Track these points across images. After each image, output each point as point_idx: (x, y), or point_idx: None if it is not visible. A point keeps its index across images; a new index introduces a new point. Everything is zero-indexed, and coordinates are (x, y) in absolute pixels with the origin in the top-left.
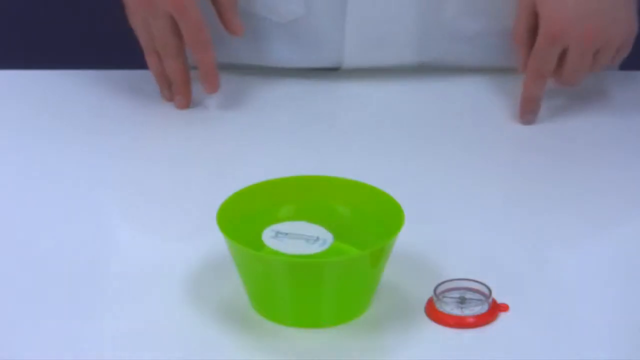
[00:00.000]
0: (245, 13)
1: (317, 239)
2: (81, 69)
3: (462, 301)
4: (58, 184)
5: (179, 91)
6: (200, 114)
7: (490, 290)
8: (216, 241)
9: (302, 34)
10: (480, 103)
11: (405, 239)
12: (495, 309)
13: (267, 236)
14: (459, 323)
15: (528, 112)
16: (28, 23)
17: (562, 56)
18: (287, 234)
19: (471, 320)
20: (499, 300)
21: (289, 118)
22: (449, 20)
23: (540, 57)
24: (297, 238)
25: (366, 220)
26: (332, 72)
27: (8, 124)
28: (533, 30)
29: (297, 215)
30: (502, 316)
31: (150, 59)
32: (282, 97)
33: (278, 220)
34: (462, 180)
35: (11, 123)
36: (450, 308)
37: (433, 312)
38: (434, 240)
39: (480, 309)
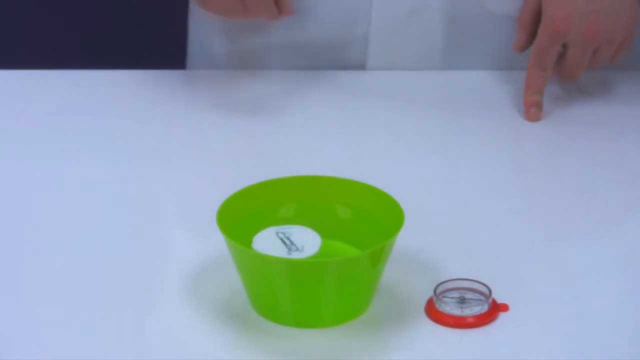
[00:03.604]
0: None
1: (297, 249)
2: (86, 70)
3: (462, 301)
4: (57, 183)
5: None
6: (199, 114)
7: (490, 290)
8: (216, 241)
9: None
10: (482, 101)
11: (405, 239)
12: (495, 309)
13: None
14: (459, 323)
15: (531, 105)
16: (29, 23)
17: (563, 51)
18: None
19: (471, 320)
20: (499, 300)
21: (287, 118)
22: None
23: (542, 53)
24: (283, 243)
25: (366, 220)
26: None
27: (13, 124)
28: (536, 17)
29: (297, 215)
30: (502, 316)
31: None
32: (280, 96)
33: (278, 220)
34: (462, 180)
35: (18, 123)
36: (450, 308)
37: (433, 312)
38: (434, 240)
39: (480, 309)
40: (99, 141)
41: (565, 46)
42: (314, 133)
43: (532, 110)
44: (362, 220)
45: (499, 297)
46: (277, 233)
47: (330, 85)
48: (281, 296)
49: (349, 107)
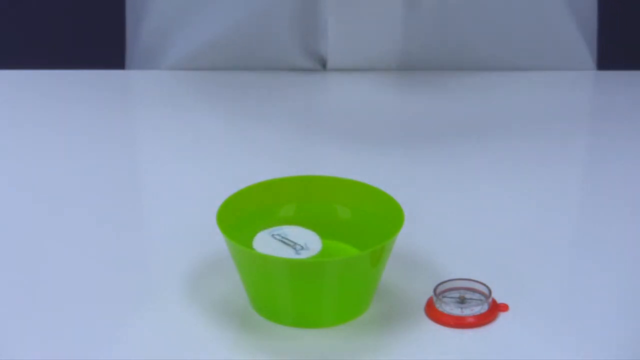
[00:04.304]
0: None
1: (302, 247)
2: (77, 69)
3: (462, 301)
4: (59, 182)
5: None
6: (198, 114)
7: (490, 290)
8: (216, 241)
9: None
10: (480, 99)
11: (405, 239)
12: (495, 309)
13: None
14: (459, 323)
15: None
16: (28, 23)
17: None
18: (278, 235)
19: (471, 320)
20: (499, 300)
21: (288, 117)
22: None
23: None
24: (285, 244)
25: (366, 220)
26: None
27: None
28: None
29: (297, 216)
30: (502, 316)
31: None
32: (280, 95)
33: (278, 220)
34: (462, 179)
35: (14, 122)
36: (450, 308)
37: (433, 312)
38: (434, 240)
39: (480, 309)
40: (99, 141)
41: None
42: (313, 133)
43: None
44: (362, 220)
45: (499, 297)
46: (273, 235)
47: (326, 84)
48: (281, 296)
49: (346, 107)
